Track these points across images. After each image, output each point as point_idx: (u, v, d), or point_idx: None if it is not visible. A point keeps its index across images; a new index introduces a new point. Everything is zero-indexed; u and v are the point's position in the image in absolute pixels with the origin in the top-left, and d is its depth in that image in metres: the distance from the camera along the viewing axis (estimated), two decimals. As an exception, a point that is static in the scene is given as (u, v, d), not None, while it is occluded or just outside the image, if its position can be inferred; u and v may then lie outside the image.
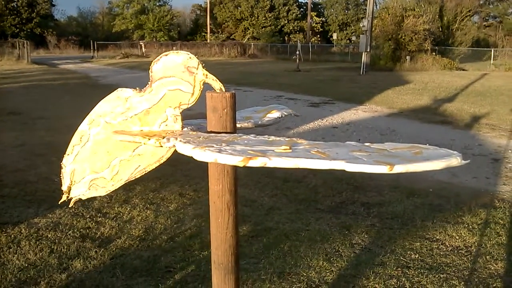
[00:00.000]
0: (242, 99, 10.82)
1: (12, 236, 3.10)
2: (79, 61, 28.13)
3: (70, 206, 1.20)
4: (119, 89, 1.09)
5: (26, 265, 2.72)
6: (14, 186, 4.11)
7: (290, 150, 0.63)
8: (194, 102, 1.03)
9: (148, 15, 44.87)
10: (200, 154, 0.67)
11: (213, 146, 0.71)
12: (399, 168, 0.47)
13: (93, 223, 3.32)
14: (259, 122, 1.21)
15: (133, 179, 1.06)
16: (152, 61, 1.07)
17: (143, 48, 35.19)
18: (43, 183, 4.18)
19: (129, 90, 1.07)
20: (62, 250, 2.91)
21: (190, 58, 1.02)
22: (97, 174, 1.13)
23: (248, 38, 42.49)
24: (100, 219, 3.40)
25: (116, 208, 3.60)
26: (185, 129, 1.05)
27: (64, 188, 1.18)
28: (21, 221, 3.35)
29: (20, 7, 39.16)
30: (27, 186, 4.11)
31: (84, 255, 2.84)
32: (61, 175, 1.17)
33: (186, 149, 0.72)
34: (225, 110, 0.99)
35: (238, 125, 1.12)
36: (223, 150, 0.67)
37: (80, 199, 1.18)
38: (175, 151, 0.91)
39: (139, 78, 16.53)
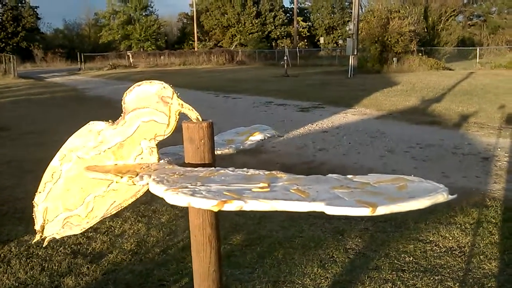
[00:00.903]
0: (231, 106, 10.82)
1: (1, 255, 3.05)
2: (66, 74, 27.97)
3: (44, 246, 1.16)
4: (90, 122, 1.05)
5: (17, 284, 2.67)
6: (3, 203, 4.05)
7: (268, 189, 0.60)
8: (170, 133, 1.00)
9: (135, 25, 44.82)
10: (172, 197, 0.64)
11: (187, 187, 0.67)
12: (381, 210, 0.44)
13: (84, 239, 3.28)
14: (241, 147, 1.18)
15: (109, 215, 1.02)
16: (125, 92, 1.03)
17: (130, 59, 35.09)
18: (32, 200, 4.11)
19: (101, 123, 1.03)
20: (53, 267, 2.87)
21: (164, 87, 0.98)
22: (71, 212, 1.08)
23: (236, 45, 42.57)
24: (91, 234, 3.36)
25: (107, 222, 3.56)
26: (162, 161, 1.01)
27: (37, 227, 1.14)
28: (10, 239, 3.30)
29: (6, 21, 38.91)
30: (16, 203, 4.06)
31: (75, 272, 2.80)
32: (33, 214, 1.13)
33: (159, 191, 0.69)
34: (203, 141, 0.95)
35: (218, 152, 1.10)
36: (197, 191, 0.64)
37: (54, 238, 1.13)
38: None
39: (126, 89, 16.45)
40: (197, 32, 44.47)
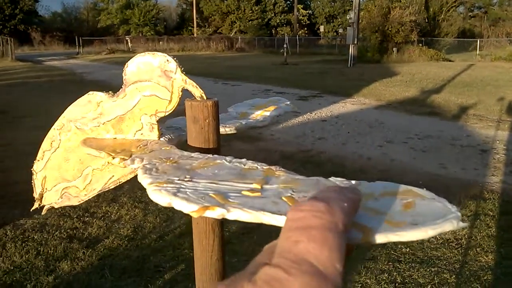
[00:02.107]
0: (230, 93, 10.76)
1: (-3, 238, 3.04)
2: (64, 58, 27.79)
3: (42, 213, 1.14)
4: (90, 92, 1.00)
5: (12, 268, 2.66)
6: (-1, 186, 4.03)
7: (259, 194, 0.55)
8: (172, 110, 0.93)
9: (134, 9, 44.45)
10: (154, 194, 0.59)
11: (173, 182, 0.62)
12: (376, 239, 0.39)
13: (81, 223, 3.27)
14: (252, 124, 1.10)
15: (107, 189, 0.98)
16: (127, 62, 0.97)
17: (129, 43, 34.87)
18: (29, 184, 4.08)
19: (101, 94, 0.97)
20: (49, 251, 2.86)
21: (167, 61, 0.92)
22: (69, 183, 1.05)
23: (235, 32, 42.32)
24: (87, 219, 3.35)
25: (103, 208, 3.55)
26: (162, 139, 0.96)
27: (36, 195, 1.11)
28: (6, 222, 3.28)
29: (3, 4, 38.52)
30: (13, 186, 4.03)
31: (71, 256, 2.79)
32: (32, 181, 1.11)
33: (144, 183, 0.64)
34: (207, 121, 0.88)
35: (222, 129, 1.03)
36: (182, 190, 0.59)
37: (52, 207, 1.11)
38: None
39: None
40: (197, 18, 44.16)
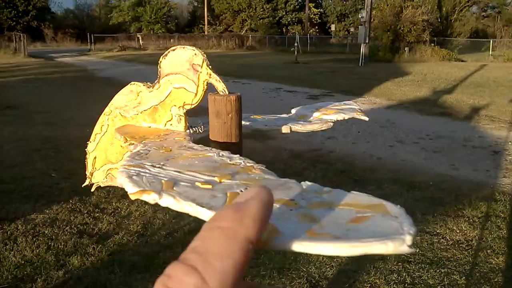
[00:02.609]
0: (241, 91, 10.68)
1: (8, 232, 3.07)
2: (76, 54, 27.97)
3: (92, 190, 1.20)
4: (132, 82, 1.07)
5: (23, 262, 2.69)
6: (10, 181, 4.07)
7: (210, 186, 0.55)
8: (196, 103, 0.97)
9: (145, 7, 44.58)
10: (117, 175, 0.60)
11: (140, 166, 0.63)
12: (280, 246, 0.36)
13: (91, 219, 3.29)
14: (305, 128, 1.07)
15: None
16: (161, 56, 1.01)
17: (140, 41, 34.99)
18: (40, 179, 4.14)
19: (141, 85, 1.03)
20: (59, 246, 2.88)
21: (195, 54, 0.95)
22: (112, 165, 1.11)
23: (246, 30, 42.29)
24: (97, 214, 3.37)
25: (114, 203, 3.57)
26: (188, 130, 0.99)
27: (88, 173, 1.19)
28: (17, 217, 3.31)
29: (16, 0, 38.86)
30: (24, 181, 4.07)
31: (81, 252, 2.81)
32: (85, 160, 1.19)
33: (121, 164, 0.65)
34: (230, 115, 0.89)
35: (266, 127, 1.03)
36: (141, 173, 0.60)
37: (99, 186, 1.18)
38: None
39: (136, 71, 16.44)
40: (208, 16, 44.20)
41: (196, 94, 0.96)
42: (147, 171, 0.61)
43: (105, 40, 35.77)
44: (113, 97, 1.12)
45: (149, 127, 1.01)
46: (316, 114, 1.11)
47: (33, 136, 5.78)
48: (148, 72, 16.10)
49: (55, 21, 43.42)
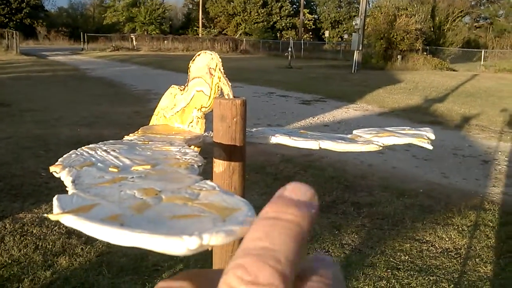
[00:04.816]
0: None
1: (-4, 231, 3.03)
2: (69, 53, 27.83)
3: None
4: (171, 85, 1.10)
5: (10, 261, 2.66)
6: (-1, 179, 4.03)
7: (116, 170, 0.57)
8: (210, 107, 1.00)
9: (140, 8, 44.55)
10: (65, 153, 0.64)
11: (93, 149, 0.67)
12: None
13: (80, 219, 3.26)
14: (331, 146, 0.99)
15: None
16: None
17: (134, 41, 34.91)
18: (29, 177, 4.10)
19: (176, 87, 1.08)
20: (47, 246, 2.85)
21: (212, 58, 0.99)
22: None
23: (240, 34, 42.36)
24: (87, 215, 3.34)
25: (103, 204, 3.54)
26: (206, 133, 1.02)
27: None
28: (5, 216, 3.28)
29: (10, -3, 38.65)
30: (13, 179, 4.03)
31: (69, 252, 2.79)
32: None
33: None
34: (235, 120, 0.89)
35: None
36: (84, 155, 0.63)
37: None
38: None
39: (129, 71, 16.39)
40: (202, 19, 44.24)
41: (209, 97, 0.98)
42: (90, 153, 0.65)
43: (98, 39, 35.65)
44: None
45: (178, 128, 1.06)
46: (367, 136, 1.04)
47: (23, 134, 5.73)
48: (140, 73, 16.06)
49: (48, 19, 43.24)
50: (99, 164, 0.57)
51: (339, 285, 0.26)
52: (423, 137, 0.93)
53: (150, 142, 0.79)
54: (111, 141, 0.73)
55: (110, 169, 0.55)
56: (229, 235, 0.31)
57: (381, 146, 0.90)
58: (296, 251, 0.24)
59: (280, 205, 0.26)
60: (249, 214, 0.36)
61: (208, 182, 0.49)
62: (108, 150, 0.65)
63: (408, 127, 1.03)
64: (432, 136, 0.96)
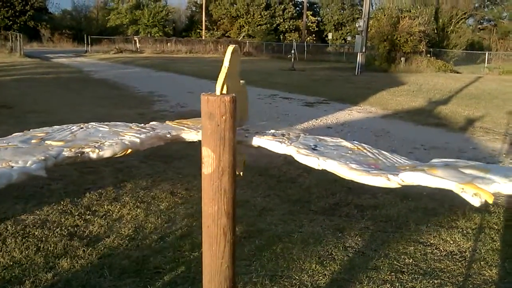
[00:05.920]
0: (236, 97, 10.73)
1: (-3, 233, 3.02)
2: (72, 55, 27.90)
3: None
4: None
5: (11, 263, 2.64)
6: (1, 181, 4.01)
7: (62, 143, 0.63)
8: None
9: (143, 10, 44.57)
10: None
11: (47, 134, 0.75)
12: None
13: (82, 221, 3.25)
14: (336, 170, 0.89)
15: None
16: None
17: (137, 44, 34.96)
18: (31, 179, 4.08)
19: None
20: (49, 248, 2.83)
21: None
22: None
23: (243, 36, 42.35)
24: (89, 217, 3.33)
25: (105, 206, 3.53)
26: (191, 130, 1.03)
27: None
28: (7, 217, 3.27)
29: (14, 0, 38.75)
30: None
31: (71, 254, 2.77)
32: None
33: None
34: (224, 118, 0.84)
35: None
36: (49, 135, 0.70)
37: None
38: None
39: (132, 73, 16.41)
40: (205, 21, 44.24)
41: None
42: (49, 132, 0.73)
43: (102, 42, 35.73)
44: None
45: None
46: (418, 173, 0.83)
47: (26, 136, 5.71)
48: (143, 75, 16.07)
49: (52, 22, 43.35)
50: (33, 140, 0.66)
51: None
52: (480, 188, 0.78)
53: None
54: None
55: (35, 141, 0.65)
56: None
57: (401, 183, 0.78)
58: None
59: None
60: None
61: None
62: (72, 135, 0.70)
63: (486, 167, 0.85)
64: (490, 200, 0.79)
